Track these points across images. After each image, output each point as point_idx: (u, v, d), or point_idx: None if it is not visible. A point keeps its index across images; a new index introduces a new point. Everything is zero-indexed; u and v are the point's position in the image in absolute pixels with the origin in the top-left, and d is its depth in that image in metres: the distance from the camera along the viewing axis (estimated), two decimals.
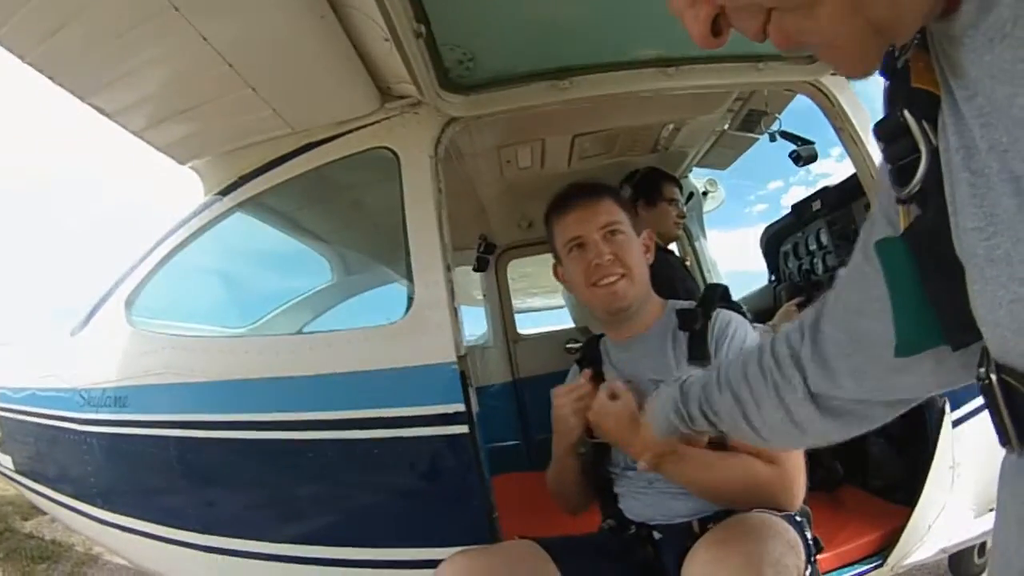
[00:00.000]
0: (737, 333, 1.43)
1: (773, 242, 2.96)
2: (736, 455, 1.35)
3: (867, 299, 0.71)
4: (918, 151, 0.55)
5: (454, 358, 1.60)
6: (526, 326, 3.65)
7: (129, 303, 2.11)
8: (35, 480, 2.70)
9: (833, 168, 2.70)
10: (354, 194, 2.29)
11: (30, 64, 1.61)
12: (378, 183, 1.95)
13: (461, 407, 1.59)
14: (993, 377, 0.53)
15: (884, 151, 0.60)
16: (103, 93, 1.75)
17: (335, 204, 2.39)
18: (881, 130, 0.59)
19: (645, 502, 1.47)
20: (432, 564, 1.37)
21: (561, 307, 3.89)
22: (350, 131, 1.80)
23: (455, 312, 1.63)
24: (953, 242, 0.54)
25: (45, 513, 3.41)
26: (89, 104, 1.79)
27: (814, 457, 2.16)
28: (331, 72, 1.67)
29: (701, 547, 1.20)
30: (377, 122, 1.78)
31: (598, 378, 1.51)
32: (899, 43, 0.53)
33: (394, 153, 1.73)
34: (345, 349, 1.69)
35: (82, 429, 2.21)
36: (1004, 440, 0.55)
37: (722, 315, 1.46)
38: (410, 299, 1.66)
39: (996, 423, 0.55)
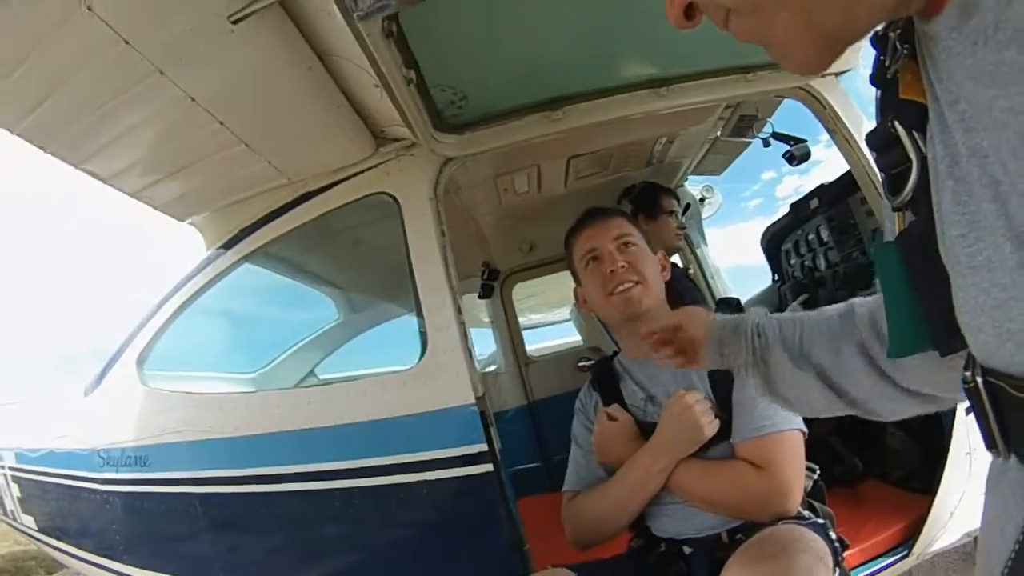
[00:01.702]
0: None
1: (774, 242, 2.96)
2: (728, 462, 1.38)
3: None
4: (909, 160, 0.56)
5: (472, 399, 1.59)
6: (536, 341, 3.67)
7: (141, 361, 2.09)
8: (59, 539, 2.69)
9: (824, 154, 2.69)
10: (358, 241, 2.27)
11: (20, 136, 1.59)
12: (380, 229, 1.93)
13: (484, 447, 1.58)
14: (979, 380, 0.53)
15: (877, 160, 0.61)
16: (96, 159, 1.73)
17: (339, 252, 2.37)
18: (873, 139, 0.60)
19: (673, 517, 1.47)
20: None
21: (567, 320, 3.87)
22: (347, 178, 1.78)
23: (469, 353, 1.61)
24: (939, 250, 0.55)
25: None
26: (83, 171, 1.78)
27: (834, 454, 2.18)
28: (323, 121, 1.64)
29: (734, 566, 1.21)
30: (374, 167, 1.76)
31: (616, 396, 1.54)
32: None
33: (393, 198, 1.72)
34: (362, 398, 1.68)
35: (104, 489, 2.19)
36: (990, 444, 0.55)
37: None
38: (423, 344, 1.64)
39: (982, 427, 0.55)
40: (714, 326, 1.08)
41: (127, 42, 1.26)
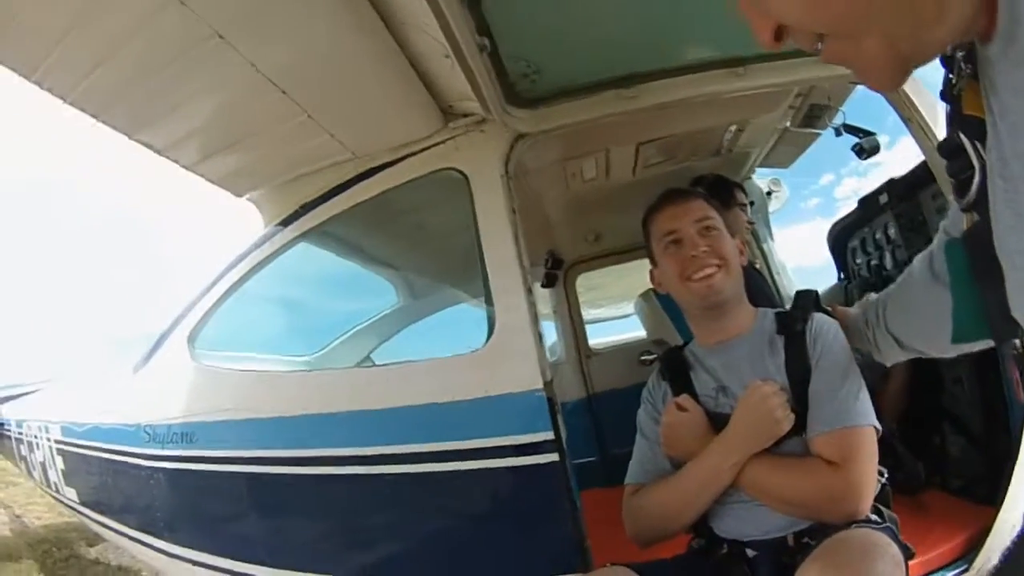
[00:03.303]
0: (836, 336, 1.35)
1: (840, 239, 2.77)
2: (803, 459, 1.28)
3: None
4: (973, 167, 0.63)
5: (541, 384, 1.46)
6: (595, 336, 3.56)
7: (192, 339, 2.00)
8: (100, 512, 2.64)
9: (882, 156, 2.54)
10: (423, 218, 2.16)
11: (72, 104, 1.49)
12: (448, 206, 1.80)
13: (550, 435, 1.45)
14: None
15: (947, 167, 0.68)
16: (151, 128, 1.64)
17: (404, 229, 2.25)
18: (943, 148, 0.68)
19: (737, 517, 1.35)
20: None
21: (630, 315, 3.74)
22: (414, 153, 1.67)
23: (539, 336, 1.49)
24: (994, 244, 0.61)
25: None
26: (137, 141, 1.68)
27: (896, 459, 2.04)
28: (390, 93, 1.54)
29: (810, 571, 1.09)
30: (442, 142, 1.64)
31: (687, 386, 1.42)
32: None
33: (463, 174, 1.60)
34: (424, 380, 1.56)
35: (148, 464, 2.11)
36: None
37: (818, 319, 1.38)
38: (491, 325, 1.52)
39: None
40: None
41: (183, 2, 1.16)
